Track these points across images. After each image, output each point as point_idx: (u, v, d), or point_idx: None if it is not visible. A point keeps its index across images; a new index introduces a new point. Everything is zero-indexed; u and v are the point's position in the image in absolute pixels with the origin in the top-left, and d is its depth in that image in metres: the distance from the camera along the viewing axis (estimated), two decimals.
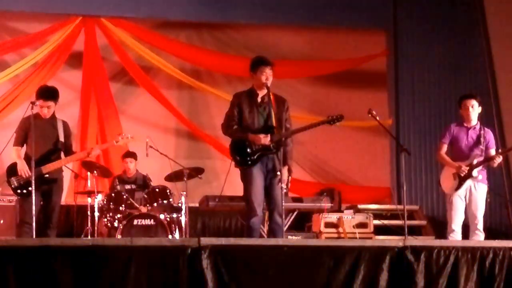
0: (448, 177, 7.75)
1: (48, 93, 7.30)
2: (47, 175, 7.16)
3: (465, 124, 7.81)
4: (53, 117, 7.34)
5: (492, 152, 7.76)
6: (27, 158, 7.18)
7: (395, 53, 11.53)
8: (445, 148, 7.85)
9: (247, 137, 6.82)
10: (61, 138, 7.30)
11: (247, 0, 11.13)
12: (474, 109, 7.75)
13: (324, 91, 11.58)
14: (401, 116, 11.38)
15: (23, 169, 7.15)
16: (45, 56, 10.54)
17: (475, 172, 7.63)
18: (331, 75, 11.53)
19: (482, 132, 7.78)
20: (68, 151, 7.45)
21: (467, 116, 7.77)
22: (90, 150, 7.55)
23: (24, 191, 7.16)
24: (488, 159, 7.67)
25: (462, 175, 7.63)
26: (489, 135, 7.84)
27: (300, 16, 11.21)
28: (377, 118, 7.29)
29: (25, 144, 7.32)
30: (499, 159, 7.68)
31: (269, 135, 6.80)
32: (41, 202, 7.22)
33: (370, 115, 7.24)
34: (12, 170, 7.27)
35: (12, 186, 7.24)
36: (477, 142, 7.76)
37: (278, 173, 6.77)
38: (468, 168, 7.62)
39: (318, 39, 11.65)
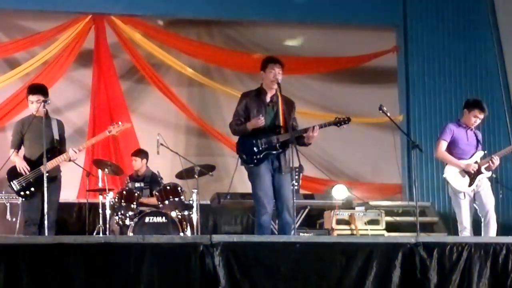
0: (457, 175, 7.80)
1: (36, 88, 7.27)
2: (47, 173, 6.92)
3: (463, 125, 7.88)
4: (47, 116, 7.23)
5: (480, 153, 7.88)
6: (26, 160, 7.11)
7: (405, 50, 11.51)
8: (445, 146, 7.86)
9: (246, 127, 6.80)
10: (56, 136, 7.20)
11: None
12: (480, 120, 7.85)
13: (335, 88, 11.56)
14: (411, 112, 11.37)
15: (21, 166, 7.06)
16: (55, 55, 10.56)
17: (483, 170, 7.75)
18: (341, 71, 11.52)
19: (475, 132, 7.93)
20: (62, 149, 7.28)
21: (471, 123, 7.84)
22: (77, 148, 7.24)
23: (27, 192, 7.08)
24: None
25: (473, 172, 7.71)
26: (480, 136, 7.98)
27: (310, 13, 11.19)
28: (388, 114, 7.26)
29: (22, 146, 7.23)
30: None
31: (263, 118, 6.75)
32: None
33: (381, 111, 7.22)
34: (12, 173, 7.15)
35: (15, 189, 7.13)
36: (475, 141, 7.88)
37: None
38: (477, 165, 7.74)
39: (328, 35, 11.63)
